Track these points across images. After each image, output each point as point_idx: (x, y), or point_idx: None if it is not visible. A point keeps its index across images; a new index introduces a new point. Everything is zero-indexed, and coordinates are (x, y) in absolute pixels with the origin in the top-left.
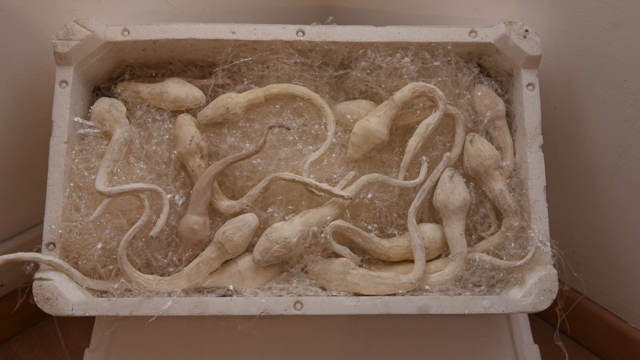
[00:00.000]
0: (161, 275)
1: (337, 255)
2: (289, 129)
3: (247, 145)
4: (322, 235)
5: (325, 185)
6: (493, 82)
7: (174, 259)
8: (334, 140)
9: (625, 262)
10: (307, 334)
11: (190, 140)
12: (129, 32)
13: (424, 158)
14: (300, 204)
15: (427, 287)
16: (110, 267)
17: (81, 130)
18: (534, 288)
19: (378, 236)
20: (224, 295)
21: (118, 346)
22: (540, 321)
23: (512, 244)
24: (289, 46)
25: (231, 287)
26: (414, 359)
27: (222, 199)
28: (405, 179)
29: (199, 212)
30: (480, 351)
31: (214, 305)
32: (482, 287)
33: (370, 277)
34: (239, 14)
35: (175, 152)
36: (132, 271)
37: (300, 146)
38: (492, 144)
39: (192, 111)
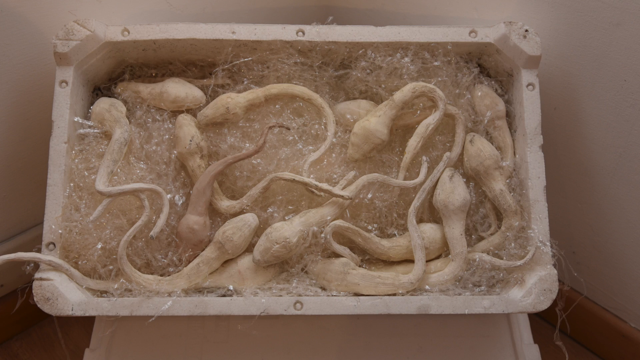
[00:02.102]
0: (161, 275)
1: (337, 255)
2: (289, 129)
3: (247, 145)
4: (322, 235)
5: (325, 185)
6: (493, 82)
7: (174, 259)
8: (334, 140)
9: (625, 262)
10: (307, 334)
11: (190, 140)
12: (129, 32)
13: (424, 158)
14: (300, 204)
15: (427, 287)
16: (110, 267)
17: (81, 130)
18: (534, 288)
19: (378, 236)
20: (224, 295)
21: (118, 346)
22: (540, 321)
23: (512, 244)
24: (289, 46)
25: (231, 287)
26: (414, 359)
27: (222, 199)
28: (405, 179)
29: (199, 212)
30: (480, 351)
31: (214, 305)
32: (482, 287)
33: (370, 277)
34: (239, 14)
35: (175, 152)
36: (132, 271)
37: (300, 146)
38: (492, 144)
39: (192, 111)
